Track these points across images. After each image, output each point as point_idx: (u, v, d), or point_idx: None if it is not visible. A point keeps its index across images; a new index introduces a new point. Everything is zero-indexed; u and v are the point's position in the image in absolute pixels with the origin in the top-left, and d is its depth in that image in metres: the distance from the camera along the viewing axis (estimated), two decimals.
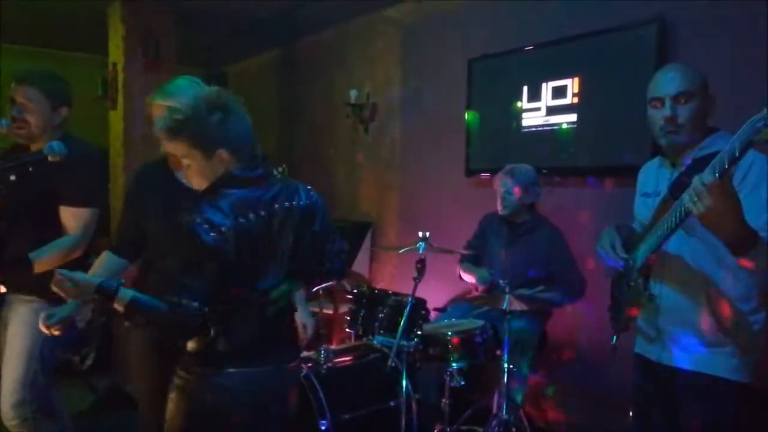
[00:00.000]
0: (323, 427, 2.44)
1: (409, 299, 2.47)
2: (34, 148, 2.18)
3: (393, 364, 2.44)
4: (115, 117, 4.39)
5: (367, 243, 4.53)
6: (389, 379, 2.64)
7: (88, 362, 3.95)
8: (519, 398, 2.81)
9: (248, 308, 1.59)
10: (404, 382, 2.54)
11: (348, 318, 2.97)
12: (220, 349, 1.56)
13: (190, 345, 1.59)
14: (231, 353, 1.57)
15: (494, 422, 2.62)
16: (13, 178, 1.62)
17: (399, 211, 4.44)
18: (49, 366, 2.22)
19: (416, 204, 4.27)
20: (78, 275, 1.51)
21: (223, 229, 1.49)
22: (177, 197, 1.96)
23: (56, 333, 1.92)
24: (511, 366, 2.58)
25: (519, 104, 3.47)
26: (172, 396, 1.60)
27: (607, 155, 3.07)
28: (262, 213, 1.58)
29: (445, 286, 3.57)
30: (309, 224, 1.70)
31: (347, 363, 2.72)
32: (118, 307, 1.48)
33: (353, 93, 4.54)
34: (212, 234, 1.48)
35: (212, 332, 1.54)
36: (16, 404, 2.15)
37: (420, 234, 2.59)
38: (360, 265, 4.47)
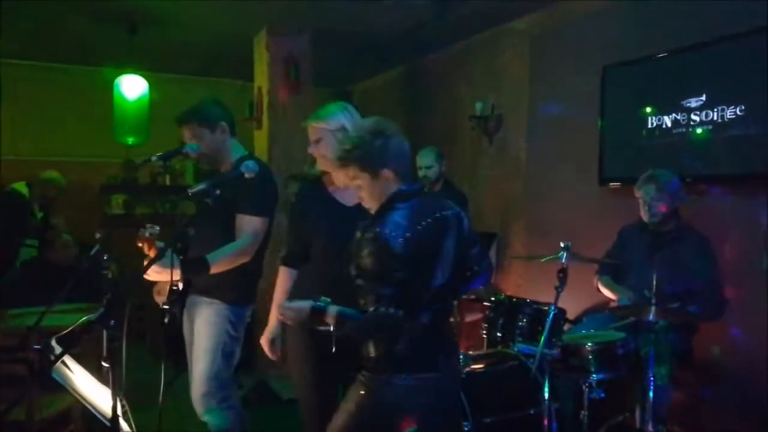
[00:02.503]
0: (466, 429, 2.53)
1: (552, 308, 2.50)
2: (223, 168, 2.49)
3: (535, 372, 2.48)
4: (260, 136, 4.80)
5: (492, 253, 4.58)
6: (528, 387, 2.68)
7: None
8: (663, 413, 2.73)
9: (428, 311, 1.74)
10: (546, 391, 2.57)
11: (486, 325, 3.04)
12: (400, 352, 1.72)
13: (373, 349, 1.76)
14: (410, 356, 1.72)
15: None
16: (218, 192, 1.88)
17: (525, 221, 4.44)
18: (231, 362, 2.49)
19: (544, 214, 4.26)
20: (295, 304, 1.77)
21: (407, 235, 1.67)
22: (335, 212, 2.18)
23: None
24: (655, 379, 2.52)
25: (657, 111, 3.38)
26: (356, 394, 1.77)
27: (759, 162, 2.92)
28: (430, 221, 1.75)
29: (576, 297, 3.54)
30: (460, 231, 1.84)
31: (486, 369, 2.79)
32: (329, 321, 1.70)
33: (478, 105, 4.63)
34: (399, 240, 1.66)
35: (403, 334, 1.70)
36: (204, 395, 2.43)
37: (561, 244, 2.61)
38: None
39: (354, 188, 1.84)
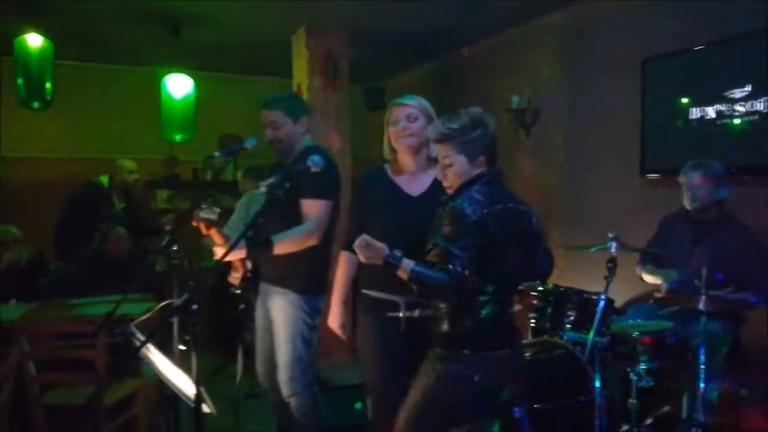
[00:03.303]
0: (516, 414, 2.59)
1: (602, 297, 2.55)
2: (289, 158, 2.58)
3: (586, 361, 2.54)
4: None
5: None
6: (577, 375, 2.74)
7: None
8: (712, 403, 2.76)
9: (495, 292, 1.83)
10: (597, 379, 2.62)
11: (533, 314, 3.10)
12: (472, 330, 1.82)
13: (444, 327, 1.85)
14: (482, 333, 1.83)
15: (690, 426, 2.61)
16: (288, 185, 1.98)
17: (564, 214, 4.48)
18: (311, 348, 2.60)
19: (583, 206, 4.29)
20: (375, 242, 1.85)
21: (484, 211, 1.80)
22: (399, 200, 2.25)
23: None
24: (704, 369, 2.56)
25: (699, 102, 3.39)
26: (428, 369, 1.87)
27: None
28: (510, 205, 1.88)
29: (617, 288, 3.57)
30: (529, 226, 1.96)
31: (535, 357, 2.85)
32: (402, 274, 1.81)
33: (515, 99, 4.67)
34: (476, 211, 1.79)
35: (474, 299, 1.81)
36: (289, 380, 2.56)
37: (610, 234, 2.66)
38: None
39: (442, 166, 1.95)
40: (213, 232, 2.34)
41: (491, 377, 1.85)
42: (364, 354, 2.34)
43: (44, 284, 3.80)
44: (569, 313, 2.91)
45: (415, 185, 2.24)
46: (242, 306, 2.78)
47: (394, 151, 2.31)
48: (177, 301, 1.69)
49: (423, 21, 4.61)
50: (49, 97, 4.14)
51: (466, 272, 1.76)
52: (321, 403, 2.71)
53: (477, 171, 1.91)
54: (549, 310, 3.00)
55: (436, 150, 1.97)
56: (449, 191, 1.96)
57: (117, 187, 4.75)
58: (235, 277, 2.74)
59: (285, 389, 2.60)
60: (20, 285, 3.73)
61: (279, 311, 2.56)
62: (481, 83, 5.30)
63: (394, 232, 2.15)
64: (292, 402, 2.61)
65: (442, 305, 1.91)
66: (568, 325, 2.93)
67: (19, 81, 4.07)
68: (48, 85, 4.11)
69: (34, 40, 4.06)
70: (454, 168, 1.92)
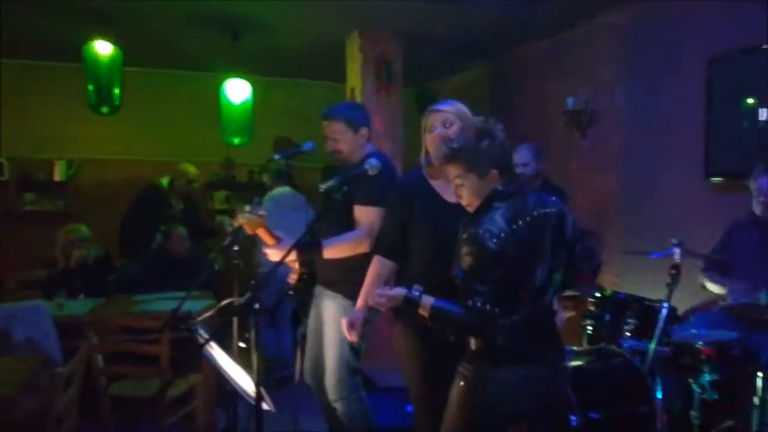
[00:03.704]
0: (573, 423, 2.55)
1: (665, 305, 2.47)
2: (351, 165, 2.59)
3: (646, 370, 2.46)
4: None
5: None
6: (636, 384, 2.66)
7: None
8: None
9: (524, 308, 1.78)
10: (659, 390, 2.54)
11: (590, 321, 3.03)
12: (501, 346, 1.77)
13: (474, 343, 1.82)
14: (511, 350, 1.77)
15: None
16: (346, 189, 2.01)
17: (622, 218, 4.36)
18: (358, 353, 2.61)
19: (642, 210, 4.16)
20: (388, 290, 1.83)
21: (502, 235, 1.72)
22: (437, 206, 2.22)
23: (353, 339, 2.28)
24: None
25: (766, 102, 3.23)
26: (457, 386, 1.84)
27: None
28: (528, 219, 1.79)
29: (678, 296, 3.44)
30: (561, 229, 1.85)
31: (591, 365, 2.79)
32: (423, 312, 1.78)
33: (570, 100, 4.58)
34: (494, 240, 1.72)
35: (497, 331, 1.76)
36: (336, 383, 2.58)
37: (673, 240, 2.58)
38: None
39: (454, 187, 1.89)
40: (261, 232, 2.38)
41: (522, 394, 1.78)
42: (405, 362, 2.31)
43: (111, 281, 3.99)
44: (629, 320, 2.83)
45: (450, 192, 2.22)
46: (295, 306, 2.83)
47: (428, 155, 2.28)
48: (239, 300, 1.74)
49: (478, 22, 4.58)
50: (117, 103, 4.35)
51: (488, 307, 1.69)
52: (370, 408, 2.70)
53: (491, 186, 1.82)
54: (607, 316, 2.93)
55: (447, 171, 1.89)
56: (469, 209, 1.88)
57: (176, 189, 4.93)
58: (292, 278, 2.79)
59: (331, 393, 2.61)
60: (88, 281, 3.93)
61: (329, 315, 2.58)
62: (536, 85, 5.23)
63: (432, 238, 2.16)
64: (339, 407, 2.62)
65: None
66: (627, 333, 2.85)
67: (90, 87, 4.29)
68: (116, 91, 4.32)
69: (103, 48, 4.27)
70: (466, 187, 1.84)
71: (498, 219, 1.76)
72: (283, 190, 4.78)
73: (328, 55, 5.16)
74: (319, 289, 2.59)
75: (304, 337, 4.60)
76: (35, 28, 4.67)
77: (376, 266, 2.34)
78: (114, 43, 4.32)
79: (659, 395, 2.59)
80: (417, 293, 1.79)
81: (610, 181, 4.45)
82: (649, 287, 3.34)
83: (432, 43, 5.16)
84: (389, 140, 4.76)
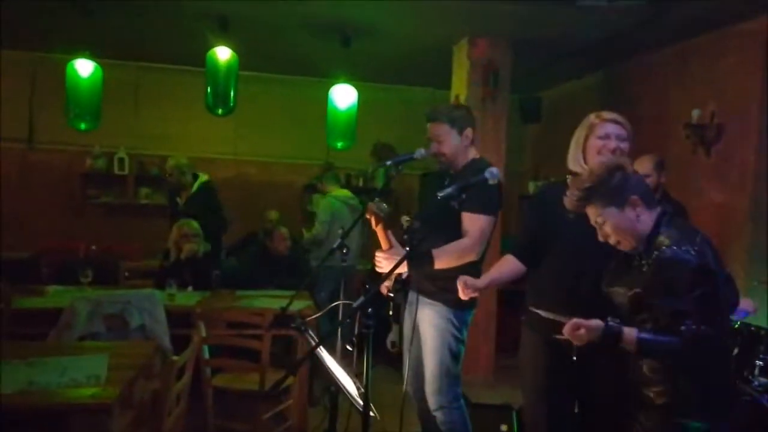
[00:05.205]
0: None
1: None
2: (453, 170, 2.55)
3: None
4: None
5: None
6: (763, 425, 2.40)
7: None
8: None
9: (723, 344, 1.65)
10: None
11: None
12: (691, 396, 1.62)
13: (656, 398, 1.68)
14: (705, 400, 1.62)
15: None
16: (464, 196, 1.96)
17: (751, 243, 3.98)
18: (458, 361, 2.55)
19: None
20: (587, 322, 1.67)
21: (696, 248, 1.62)
22: (577, 222, 2.09)
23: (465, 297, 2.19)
24: None
25: None
26: None
27: None
28: (701, 238, 1.67)
29: None
30: (716, 250, 1.72)
31: None
32: (627, 346, 1.64)
33: (695, 113, 4.25)
34: (692, 253, 1.60)
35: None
36: (435, 391, 2.54)
37: None
38: None
39: (597, 228, 1.81)
40: (380, 229, 2.38)
41: None
42: (526, 372, 2.25)
43: (216, 276, 4.15)
44: (762, 356, 2.55)
45: None
46: (391, 312, 2.78)
47: (586, 163, 2.15)
48: (358, 302, 1.71)
49: (592, 28, 4.37)
50: (232, 104, 4.54)
51: (703, 328, 1.55)
52: (468, 419, 2.63)
53: (637, 212, 1.73)
54: (735, 350, 2.65)
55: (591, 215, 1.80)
56: (621, 248, 1.78)
57: (171, 184, 4.88)
58: (386, 286, 2.76)
59: (431, 402, 2.57)
60: (196, 274, 4.11)
61: (428, 323, 2.53)
62: (654, 96, 4.90)
63: (567, 249, 2.07)
64: (439, 416, 2.57)
65: (649, 365, 1.70)
66: (756, 371, 2.57)
67: (208, 90, 4.51)
68: (232, 94, 4.51)
69: (223, 53, 4.48)
70: (609, 223, 1.75)
71: (681, 235, 1.67)
72: (345, 192, 4.88)
73: (434, 61, 5.13)
74: (413, 296, 2.53)
75: (393, 344, 4.60)
76: (159, 34, 4.99)
77: (504, 261, 2.31)
78: (232, 48, 4.52)
79: None
80: (617, 325, 1.67)
81: (737, 201, 4.08)
82: None
83: (542, 49, 4.99)
84: (493, 149, 4.63)
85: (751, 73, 4.00)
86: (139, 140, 6.04)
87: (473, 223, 2.41)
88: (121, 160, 5.99)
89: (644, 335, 1.62)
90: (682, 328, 1.55)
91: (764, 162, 3.89)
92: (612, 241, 1.79)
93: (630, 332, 1.63)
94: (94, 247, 5.57)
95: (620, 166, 1.78)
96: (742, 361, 2.65)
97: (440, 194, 2.04)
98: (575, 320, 1.69)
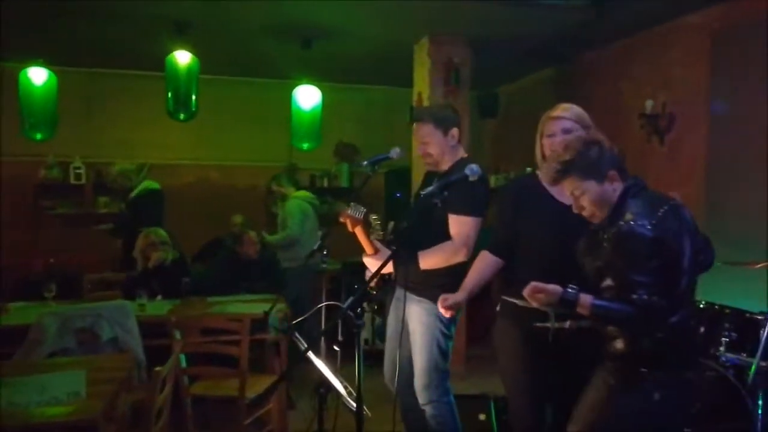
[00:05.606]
0: None
1: None
2: (441, 170, 2.57)
3: (750, 386, 2.34)
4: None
5: None
6: (731, 399, 2.54)
7: None
8: None
9: (678, 306, 1.73)
10: (759, 407, 2.41)
11: None
12: (647, 348, 1.71)
13: (618, 346, 1.77)
14: (658, 353, 1.72)
15: None
16: (446, 194, 2.00)
17: (702, 228, 4.15)
18: (447, 357, 2.59)
19: (727, 220, 3.97)
20: (546, 286, 1.77)
21: (654, 221, 1.69)
22: (550, 207, 2.18)
23: (448, 315, 2.26)
24: None
25: None
26: (598, 384, 1.81)
27: None
28: (666, 208, 1.76)
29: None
30: (688, 219, 1.82)
31: None
32: (582, 311, 1.73)
33: (649, 103, 4.43)
34: (648, 227, 1.68)
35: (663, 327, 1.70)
36: (425, 387, 2.57)
37: None
38: None
39: (573, 200, 1.87)
40: (359, 232, 2.39)
41: (674, 398, 1.73)
42: (506, 362, 2.29)
43: (186, 283, 4.08)
44: (726, 333, 2.69)
45: (565, 193, 2.17)
46: (375, 307, 2.81)
47: (545, 159, 2.24)
48: (347, 304, 1.73)
49: (546, 26, 4.50)
50: (194, 109, 4.47)
51: (654, 298, 1.64)
52: (457, 412, 2.68)
53: (614, 186, 1.80)
54: (701, 328, 2.80)
55: (564, 185, 1.87)
56: (594, 221, 1.85)
57: (114, 190, 4.91)
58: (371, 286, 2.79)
59: (421, 397, 2.61)
60: (165, 283, 4.03)
61: (417, 320, 2.56)
62: (606, 89, 5.08)
63: (552, 245, 2.12)
64: (428, 410, 2.61)
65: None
66: (722, 348, 2.71)
67: (169, 95, 4.42)
68: (193, 98, 4.44)
69: (182, 57, 4.40)
70: (587, 196, 1.81)
71: (640, 209, 1.74)
72: (305, 193, 4.91)
73: (395, 60, 5.16)
74: (399, 293, 2.56)
75: (366, 341, 4.63)
76: (114, 39, 4.86)
77: (483, 261, 2.32)
78: (192, 52, 4.44)
79: (759, 412, 2.45)
80: (572, 290, 1.75)
81: (691, 188, 4.27)
82: (739, 299, 3.18)
83: (501, 47, 5.09)
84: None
85: (698, 64, 4.21)
86: (96, 148, 5.86)
87: (460, 226, 2.44)
88: (77, 169, 5.81)
89: (598, 302, 1.71)
90: (634, 296, 1.65)
91: (715, 150, 4.09)
92: (586, 213, 1.86)
93: (585, 298, 1.71)
94: (52, 260, 5.39)
95: (597, 141, 1.84)
96: (709, 339, 2.79)
97: (423, 192, 2.08)
98: (534, 283, 1.77)
